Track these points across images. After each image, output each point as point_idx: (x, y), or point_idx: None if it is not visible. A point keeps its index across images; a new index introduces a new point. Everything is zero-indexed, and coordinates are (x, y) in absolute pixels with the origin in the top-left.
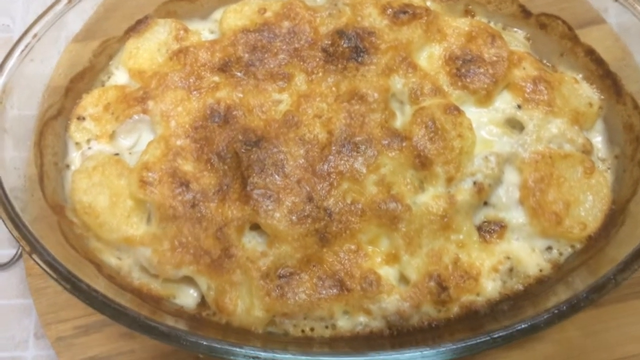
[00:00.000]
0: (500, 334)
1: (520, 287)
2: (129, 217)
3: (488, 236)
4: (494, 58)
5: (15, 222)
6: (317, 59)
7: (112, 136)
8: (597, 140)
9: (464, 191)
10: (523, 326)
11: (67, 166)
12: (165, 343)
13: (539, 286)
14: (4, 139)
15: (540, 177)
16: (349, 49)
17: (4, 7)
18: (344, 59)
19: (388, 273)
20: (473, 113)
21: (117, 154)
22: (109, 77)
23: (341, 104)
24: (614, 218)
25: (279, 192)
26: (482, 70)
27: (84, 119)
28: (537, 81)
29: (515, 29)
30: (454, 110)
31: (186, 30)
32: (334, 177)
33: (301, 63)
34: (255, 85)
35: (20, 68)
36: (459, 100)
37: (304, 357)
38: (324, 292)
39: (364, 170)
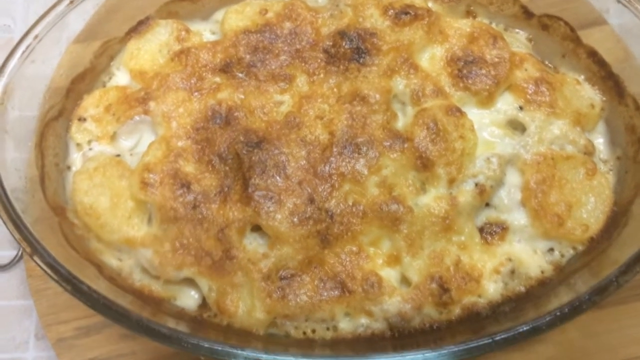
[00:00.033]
0: (502, 336)
1: (522, 289)
2: (130, 218)
3: (490, 238)
4: (496, 59)
5: (17, 223)
6: (319, 60)
7: (113, 137)
8: (599, 141)
9: (465, 193)
10: (525, 328)
11: (68, 167)
12: (166, 345)
13: (541, 288)
14: (5, 140)
15: (542, 178)
16: (350, 50)
17: (5, 8)
18: (345, 60)
19: (389, 275)
20: (475, 114)
21: (118, 155)
22: (110, 78)
23: (343, 105)
24: (616, 220)
25: (280, 193)
26: (483, 71)
27: (85, 120)
28: (539, 82)
29: (517, 30)
30: (456, 112)
31: (187, 31)
32: (336, 178)
33: (303, 64)
34: (256, 86)
35: (22, 69)
36: (460, 102)
37: None
38: (325, 293)
39: (366, 172)
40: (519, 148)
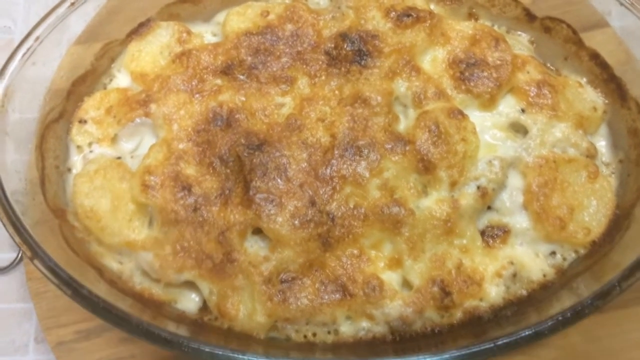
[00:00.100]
0: (504, 341)
1: (524, 293)
2: (130, 221)
3: (491, 241)
4: (498, 62)
5: (17, 226)
6: (320, 62)
7: (114, 139)
8: (601, 144)
9: (467, 195)
10: (527, 333)
11: (69, 169)
12: (166, 349)
13: (543, 292)
14: (5, 142)
15: (544, 181)
16: (352, 52)
17: (5, 9)
18: (347, 62)
19: (391, 278)
20: (477, 117)
21: (119, 158)
22: (111, 80)
23: (344, 107)
24: (618, 223)
25: (281, 196)
26: (485, 73)
27: (85, 122)
28: (541, 85)
29: (519, 33)
30: (458, 114)
31: (189, 32)
32: (337, 181)
33: (304, 66)
34: (258, 88)
35: (22, 71)
36: (462, 104)
37: None
38: (326, 297)
39: (367, 174)
40: (521, 151)
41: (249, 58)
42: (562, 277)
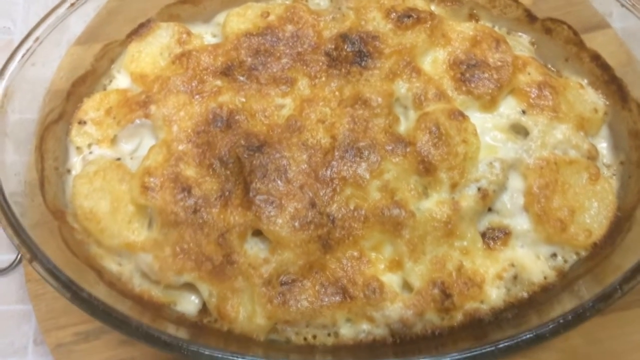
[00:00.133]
0: (505, 344)
1: (525, 295)
2: (130, 222)
3: (492, 243)
4: (499, 63)
5: (15, 228)
6: (321, 63)
7: (113, 141)
8: (602, 146)
9: (468, 197)
10: (528, 336)
11: (68, 171)
12: (166, 352)
13: (544, 294)
14: (4, 143)
15: (545, 183)
16: (352, 53)
17: (5, 9)
18: (347, 64)
19: (391, 280)
20: (477, 118)
21: (118, 159)
22: (110, 81)
23: (344, 108)
24: (620, 225)
25: (281, 198)
26: (486, 75)
27: (85, 123)
28: (542, 86)
29: (520, 34)
30: (459, 116)
31: (189, 33)
32: (337, 182)
33: (304, 67)
34: (258, 89)
35: (22, 72)
36: (463, 106)
37: None
38: (326, 299)
39: (368, 176)
40: (522, 152)
41: (249, 59)
42: (563, 280)
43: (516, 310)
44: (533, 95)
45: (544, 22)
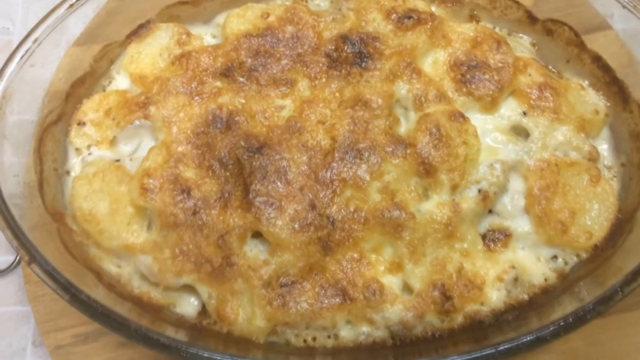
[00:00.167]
0: (505, 346)
1: (525, 297)
2: (129, 224)
3: (493, 245)
4: (499, 64)
5: (14, 230)
6: (321, 65)
7: (112, 142)
8: (603, 147)
9: (468, 199)
10: (528, 338)
11: (67, 172)
12: (165, 354)
13: (544, 296)
14: (3, 144)
15: (546, 185)
16: (352, 54)
17: (4, 10)
18: (347, 65)
19: (391, 282)
20: (478, 120)
21: (117, 160)
22: (110, 82)
23: (345, 110)
24: (621, 227)
25: (281, 199)
26: (487, 76)
27: (84, 124)
28: (543, 88)
29: (521, 35)
30: (459, 117)
31: (188, 34)
32: (337, 184)
33: (304, 68)
34: (257, 90)
35: (21, 73)
36: (463, 107)
37: None
38: (326, 301)
39: (368, 178)
40: (523, 154)
41: (249, 60)
42: (563, 282)
43: (517, 312)
44: (534, 97)
45: (545, 23)
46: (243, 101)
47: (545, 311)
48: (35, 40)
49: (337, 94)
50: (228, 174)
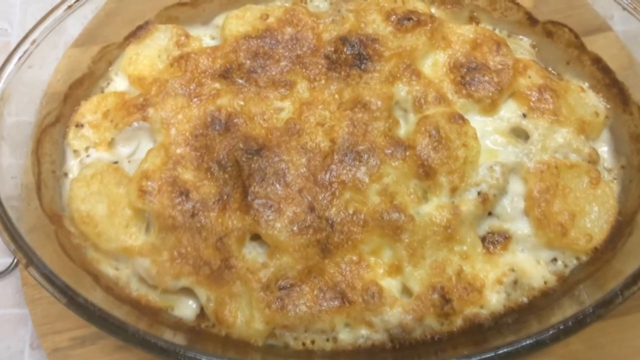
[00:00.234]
0: (505, 350)
1: (525, 300)
2: (127, 226)
3: (492, 247)
4: (499, 66)
5: (12, 233)
6: (320, 66)
7: (111, 144)
8: (603, 150)
9: (468, 201)
10: (528, 342)
11: (65, 174)
12: (163, 358)
13: (544, 299)
14: (1, 146)
15: (546, 187)
16: (352, 56)
17: (2, 11)
18: (347, 66)
19: (390, 285)
20: (478, 122)
21: (116, 162)
22: (108, 84)
23: (344, 112)
24: (621, 229)
25: (280, 201)
26: (487, 78)
27: (82, 126)
28: (543, 90)
29: (521, 37)
30: (459, 119)
31: (187, 36)
32: (336, 186)
33: (303, 70)
34: (256, 92)
35: (19, 74)
36: (463, 109)
37: None
38: (325, 304)
39: (367, 180)
40: (522, 156)
41: (248, 62)
42: (563, 284)
43: (516, 315)
44: (534, 99)
45: (545, 25)
46: (242, 103)
47: (545, 314)
48: (34, 41)
49: (336, 96)
50: (227, 176)
